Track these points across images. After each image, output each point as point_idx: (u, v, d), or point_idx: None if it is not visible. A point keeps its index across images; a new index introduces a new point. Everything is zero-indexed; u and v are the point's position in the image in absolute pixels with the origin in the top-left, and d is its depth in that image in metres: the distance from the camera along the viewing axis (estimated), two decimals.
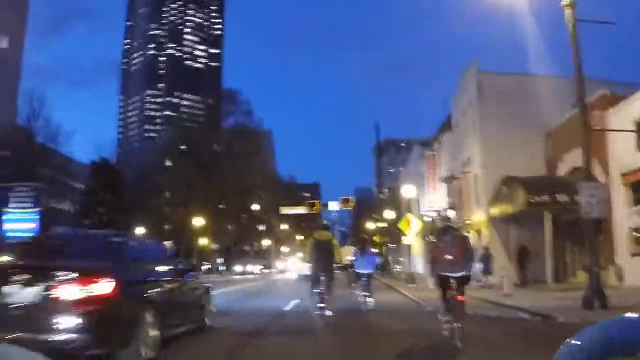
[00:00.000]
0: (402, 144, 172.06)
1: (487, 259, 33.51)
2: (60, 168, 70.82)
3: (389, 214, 62.70)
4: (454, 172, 46.85)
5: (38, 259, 9.91)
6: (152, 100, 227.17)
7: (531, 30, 34.35)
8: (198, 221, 68.00)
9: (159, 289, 11.20)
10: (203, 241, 74.89)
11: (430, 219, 48.67)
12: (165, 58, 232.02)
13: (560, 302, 20.65)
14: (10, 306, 8.48)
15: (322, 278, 15.37)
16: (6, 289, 8.65)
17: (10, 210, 57.15)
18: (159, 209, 71.42)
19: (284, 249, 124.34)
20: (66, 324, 8.38)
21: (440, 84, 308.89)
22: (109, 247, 10.69)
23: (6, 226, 56.68)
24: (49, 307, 8.46)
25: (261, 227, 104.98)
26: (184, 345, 11.64)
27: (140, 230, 68.09)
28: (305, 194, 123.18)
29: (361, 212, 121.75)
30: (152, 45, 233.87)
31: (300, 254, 62.73)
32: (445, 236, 12.07)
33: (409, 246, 42.27)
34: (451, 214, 46.85)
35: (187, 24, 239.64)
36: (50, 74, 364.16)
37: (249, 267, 70.00)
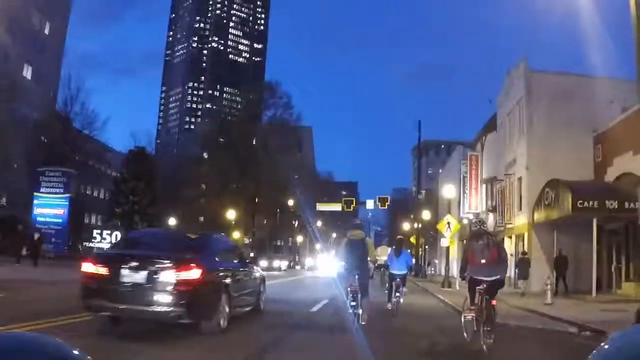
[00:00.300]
0: (442, 146, 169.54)
1: (523, 264, 32.54)
2: (94, 155, 70.17)
3: (425, 214, 60.85)
4: (496, 174, 45.14)
5: (144, 250, 12.83)
6: (194, 92, 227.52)
7: (584, 29, 32.83)
8: (231, 214, 66.89)
9: (231, 276, 13.71)
10: (236, 235, 73.92)
11: (468, 222, 47.24)
12: (208, 51, 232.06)
13: (608, 314, 19.09)
14: (124, 285, 11.33)
15: (356, 277, 15.06)
16: (122, 271, 11.40)
17: (41, 195, 56.61)
18: (192, 200, 70.45)
19: (318, 246, 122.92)
20: (165, 300, 11.21)
21: (485, 86, 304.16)
22: (196, 243, 13.77)
23: (37, 211, 56.14)
24: (153, 287, 11.25)
25: (296, 223, 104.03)
26: (245, 321, 14.52)
27: (172, 221, 67.23)
28: (343, 192, 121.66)
29: (397, 212, 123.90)
30: (196, 38, 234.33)
31: (333, 252, 61.89)
32: (479, 240, 12.07)
33: (447, 248, 40.55)
34: (490, 217, 45.78)
35: (232, 18, 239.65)
36: (98, 62, 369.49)
37: (276, 263, 68.11)
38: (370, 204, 67.20)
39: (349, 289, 15.00)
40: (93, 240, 63.24)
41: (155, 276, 11.32)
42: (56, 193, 56.66)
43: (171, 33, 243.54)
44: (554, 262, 32.18)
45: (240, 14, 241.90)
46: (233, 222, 71.55)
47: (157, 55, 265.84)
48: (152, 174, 67.35)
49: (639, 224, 17.69)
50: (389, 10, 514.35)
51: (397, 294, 19.82)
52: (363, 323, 14.42)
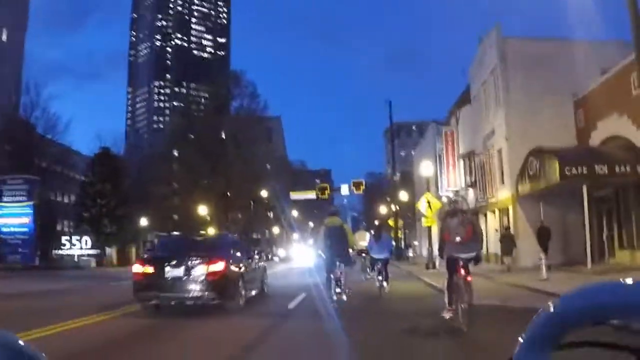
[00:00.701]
0: (414, 127, 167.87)
1: (507, 240, 31.39)
2: (60, 159, 67.28)
3: (403, 195, 58.63)
4: (474, 148, 43.31)
5: (181, 251, 16.10)
6: (160, 91, 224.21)
7: None
8: (203, 210, 64.25)
9: (244, 267, 17.06)
10: (210, 231, 71.69)
11: (447, 200, 45.64)
12: (171, 49, 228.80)
13: None
14: (169, 278, 14.81)
15: (338, 264, 15.69)
16: (166, 269, 14.88)
17: (3, 204, 53.96)
18: (163, 198, 67.92)
19: (295, 236, 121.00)
20: (200, 287, 14.74)
21: (454, 65, 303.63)
22: (216, 242, 18.57)
23: (1, 221, 53.55)
24: (190, 278, 14.82)
25: (271, 215, 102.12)
26: (255, 301, 17.77)
27: (143, 221, 64.80)
28: (316, 180, 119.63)
29: (373, 196, 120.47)
30: (159, 37, 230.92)
31: (310, 241, 59.75)
32: (454, 218, 12.16)
33: (428, 229, 38.47)
34: (470, 193, 44.00)
35: (194, 13, 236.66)
36: (63, 68, 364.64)
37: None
38: (344, 190, 65.09)
39: (332, 275, 15.59)
40: (62, 247, 60.78)
41: (191, 270, 14.86)
42: (19, 201, 54.07)
43: (134, 33, 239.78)
44: (536, 235, 30.08)
45: (202, 9, 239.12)
46: (208, 219, 69.23)
47: (122, 56, 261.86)
48: (119, 174, 64.76)
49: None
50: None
51: (380, 278, 19.96)
52: (345, 304, 15.47)
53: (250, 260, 18.52)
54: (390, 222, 62.16)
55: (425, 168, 40.11)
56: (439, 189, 50.07)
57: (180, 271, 14.74)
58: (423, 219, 36.70)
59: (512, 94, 34.97)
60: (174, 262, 14.90)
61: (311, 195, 68.22)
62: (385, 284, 20.12)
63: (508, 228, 33.31)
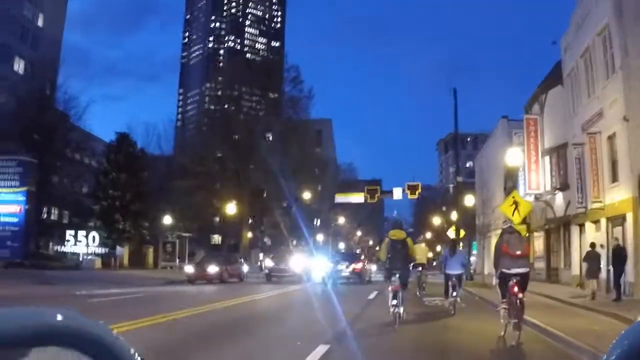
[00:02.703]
0: (468, 139, 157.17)
1: (593, 258, 24.42)
2: (74, 143, 58.41)
3: (469, 200, 47.46)
4: (567, 140, 33.09)
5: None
6: (211, 93, 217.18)
7: None
8: (232, 209, 53.97)
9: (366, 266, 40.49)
10: (249, 235, 62.21)
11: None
12: (224, 51, 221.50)
13: None
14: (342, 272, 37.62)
15: (397, 276, 14.86)
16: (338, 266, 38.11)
17: None
18: (185, 193, 57.88)
19: (342, 245, 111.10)
20: (352, 275, 37.94)
21: (510, 81, 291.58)
22: (352, 254, 50.32)
23: None
24: (345, 270, 37.97)
25: (317, 222, 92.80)
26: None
27: (167, 219, 55.23)
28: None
29: (424, 208, 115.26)
30: (212, 39, 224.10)
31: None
32: (512, 234, 12.60)
33: (526, 239, 27.88)
34: (558, 198, 33.83)
35: (248, 16, 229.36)
36: (122, 70, 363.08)
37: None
38: (397, 193, 55.41)
39: (390, 287, 14.91)
40: (67, 242, 51.92)
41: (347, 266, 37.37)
42: (11, 186, 44.98)
43: (187, 34, 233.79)
44: (612, 254, 23.69)
45: (256, 12, 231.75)
46: (247, 220, 59.67)
47: (176, 58, 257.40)
48: (139, 164, 55.42)
49: None
50: (410, 4, 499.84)
51: (454, 294, 18.91)
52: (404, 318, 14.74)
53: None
54: (462, 232, 51.68)
55: (512, 157, 28.96)
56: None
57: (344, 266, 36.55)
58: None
59: (632, 58, 24.80)
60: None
61: (359, 198, 59.68)
62: (458, 299, 19.32)
63: (618, 244, 23.81)
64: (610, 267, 24.36)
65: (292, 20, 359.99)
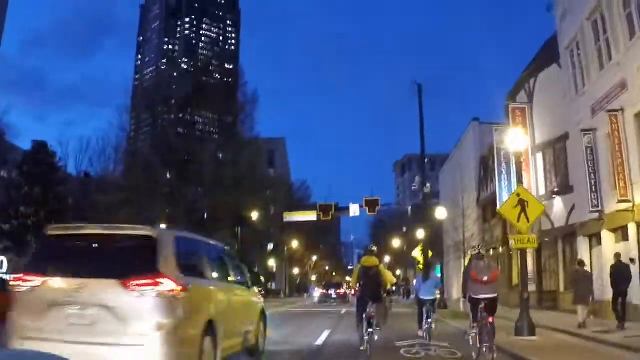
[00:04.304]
0: (427, 160, 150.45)
1: (583, 278, 19.89)
2: None
3: (441, 213, 38.42)
4: (568, 129, 25.58)
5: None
6: (164, 117, 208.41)
7: None
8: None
9: None
10: None
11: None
12: (177, 73, 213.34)
13: None
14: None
15: (370, 304, 14.13)
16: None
17: None
18: (107, 209, 49.17)
19: (296, 270, 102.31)
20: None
21: (470, 102, 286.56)
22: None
23: None
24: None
25: (270, 247, 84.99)
26: None
27: None
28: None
29: (382, 230, 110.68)
30: (164, 61, 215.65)
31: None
32: (480, 260, 12.75)
33: (522, 255, 19.61)
34: (557, 204, 26.26)
35: (202, 38, 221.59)
36: (77, 95, 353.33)
37: None
38: (354, 209, 47.74)
39: (364, 315, 13.98)
40: None
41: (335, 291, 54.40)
42: None
43: (139, 57, 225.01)
44: (611, 273, 18.89)
45: (210, 34, 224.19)
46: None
47: (127, 81, 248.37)
48: (55, 176, 46.71)
49: None
50: (367, 25, 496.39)
51: (429, 320, 17.32)
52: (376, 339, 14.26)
53: None
54: (417, 254, 43.62)
55: (515, 141, 19.82)
56: (500, 200, 32.24)
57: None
58: (512, 241, 17.98)
59: None
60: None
61: (311, 216, 51.64)
62: (433, 325, 17.53)
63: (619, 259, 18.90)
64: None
65: (247, 42, 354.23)
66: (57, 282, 8.22)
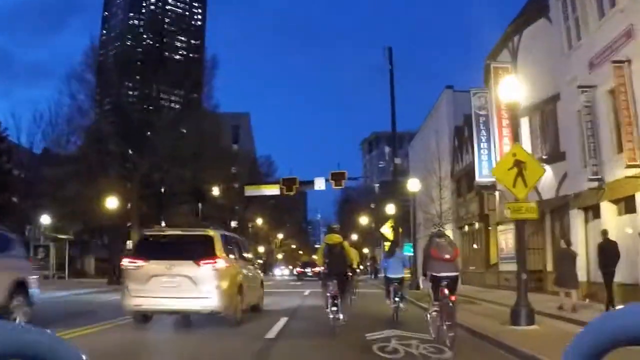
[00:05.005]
0: (387, 151, 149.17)
1: (567, 257, 17.83)
2: None
3: (413, 184, 34.79)
4: (559, 89, 22.57)
5: None
6: (129, 92, 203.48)
7: None
8: (113, 202, 41.04)
9: None
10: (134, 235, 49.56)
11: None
12: (142, 49, 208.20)
13: None
14: None
15: (334, 282, 14.28)
16: None
17: None
18: (56, 183, 45.27)
19: (261, 249, 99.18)
20: None
21: (443, 79, 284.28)
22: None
23: None
24: None
25: (234, 224, 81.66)
26: None
27: (44, 219, 42.84)
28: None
29: (349, 208, 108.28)
30: (130, 36, 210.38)
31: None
32: (441, 237, 12.53)
33: (519, 226, 16.48)
34: (547, 172, 23.85)
35: (168, 14, 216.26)
36: (44, 72, 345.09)
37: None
38: (319, 183, 44.45)
39: (328, 294, 14.27)
40: None
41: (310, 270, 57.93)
42: None
43: (104, 32, 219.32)
44: (598, 251, 17.18)
45: (176, 9, 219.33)
46: (137, 218, 47.22)
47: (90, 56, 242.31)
48: (2, 151, 42.87)
49: None
50: (333, 6, 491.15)
51: (397, 299, 16.83)
52: (343, 323, 13.92)
53: None
54: (387, 231, 40.42)
55: (509, 91, 16.27)
56: (478, 172, 29.23)
57: None
58: (507, 211, 14.81)
59: None
60: None
61: (273, 190, 48.39)
62: (402, 305, 17.10)
63: (605, 232, 17.37)
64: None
65: (214, 17, 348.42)
66: (155, 263, 14.12)
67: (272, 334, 13.21)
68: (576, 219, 21.49)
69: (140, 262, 14.22)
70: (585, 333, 1.07)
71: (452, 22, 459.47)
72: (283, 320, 15.94)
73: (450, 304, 11.46)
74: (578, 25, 21.06)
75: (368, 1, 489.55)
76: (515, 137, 17.27)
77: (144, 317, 14.71)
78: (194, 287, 13.71)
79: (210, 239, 14.58)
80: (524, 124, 25.60)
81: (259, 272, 20.56)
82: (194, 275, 13.80)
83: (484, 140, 28.91)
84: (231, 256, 15.43)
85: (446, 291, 11.59)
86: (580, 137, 20.11)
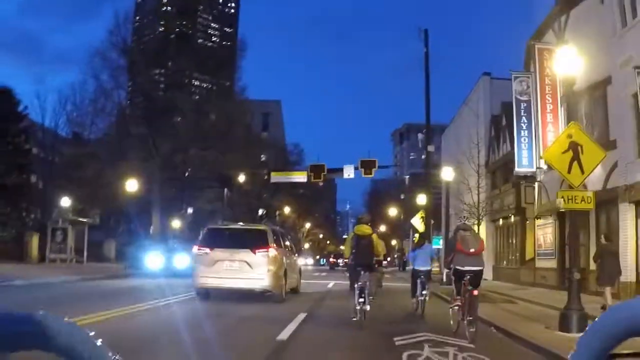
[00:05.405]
0: (424, 131, 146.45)
1: (609, 255, 16.89)
2: None
3: (447, 172, 32.72)
4: (609, 71, 20.63)
5: None
6: (160, 79, 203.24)
7: None
8: (133, 185, 39.36)
9: None
10: (156, 221, 47.98)
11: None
12: (175, 36, 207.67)
13: None
14: None
15: (362, 273, 13.95)
16: None
17: None
18: (75, 160, 44.00)
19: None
20: None
21: (463, 76, 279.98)
22: None
23: None
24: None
25: (262, 212, 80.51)
26: None
27: (64, 202, 41.64)
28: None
29: (379, 200, 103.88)
30: (162, 23, 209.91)
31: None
32: (467, 231, 12.22)
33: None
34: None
35: (201, 1, 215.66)
36: (77, 59, 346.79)
37: None
38: (349, 171, 42.59)
39: (355, 285, 13.97)
40: None
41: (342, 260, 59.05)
42: None
43: (137, 18, 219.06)
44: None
45: None
46: (157, 201, 45.85)
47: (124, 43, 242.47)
48: (17, 128, 41.59)
49: None
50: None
51: (423, 292, 16.50)
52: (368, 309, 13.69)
53: None
54: (417, 223, 38.73)
55: (565, 63, 14.33)
56: (518, 161, 27.27)
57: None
58: (560, 200, 12.87)
59: None
60: None
61: (300, 177, 46.68)
62: (427, 297, 16.62)
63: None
64: None
65: (247, 6, 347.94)
66: (219, 251, 17.92)
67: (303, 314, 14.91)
68: (626, 213, 19.60)
69: (206, 250, 18.10)
70: (599, 323, 1.04)
71: (488, 14, 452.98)
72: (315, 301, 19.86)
73: (473, 299, 11.37)
74: (634, 1, 19.15)
75: None
76: (571, 118, 15.33)
77: (206, 294, 18.01)
78: (250, 270, 17.44)
79: (263, 233, 18.74)
80: (564, 111, 23.72)
81: (297, 258, 24.50)
82: (250, 261, 17.53)
83: (524, 127, 26.95)
84: (279, 247, 19.03)
85: (469, 285, 11.49)
86: (634, 124, 18.23)
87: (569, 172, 11.99)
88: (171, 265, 33.96)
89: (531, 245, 30.79)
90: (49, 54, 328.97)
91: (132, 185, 39.30)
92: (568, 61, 13.25)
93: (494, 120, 37.32)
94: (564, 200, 12.01)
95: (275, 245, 18.35)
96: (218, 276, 17.48)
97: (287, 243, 22.02)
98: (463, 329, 11.15)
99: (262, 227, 20.01)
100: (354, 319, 13.21)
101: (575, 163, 11.96)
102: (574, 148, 12.03)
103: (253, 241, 18.05)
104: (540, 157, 23.77)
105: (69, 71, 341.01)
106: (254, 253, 17.56)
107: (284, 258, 19.23)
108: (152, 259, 34.41)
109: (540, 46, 25.26)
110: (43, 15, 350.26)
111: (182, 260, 32.77)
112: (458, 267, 11.77)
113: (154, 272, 31.21)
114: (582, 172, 12.00)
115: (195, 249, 18.84)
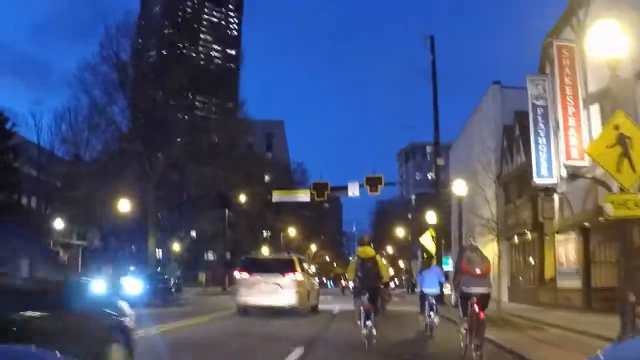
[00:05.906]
0: (428, 150, 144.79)
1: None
2: None
3: (459, 186, 30.47)
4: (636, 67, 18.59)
5: None
6: (157, 97, 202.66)
7: None
8: (125, 206, 37.09)
9: None
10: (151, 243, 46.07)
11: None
12: (177, 58, 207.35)
13: None
14: None
15: (367, 295, 14.02)
16: None
17: None
18: (65, 179, 42.12)
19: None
20: None
21: (472, 88, 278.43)
22: None
23: None
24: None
25: (266, 234, 79.00)
26: None
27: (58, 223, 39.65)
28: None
29: (385, 220, 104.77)
30: (164, 45, 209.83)
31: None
32: (473, 252, 11.93)
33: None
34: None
35: (203, 22, 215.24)
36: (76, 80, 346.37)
37: None
38: (353, 189, 40.80)
39: (361, 307, 13.94)
40: None
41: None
42: None
43: (140, 40, 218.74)
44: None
45: (212, 18, 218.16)
46: (154, 221, 43.81)
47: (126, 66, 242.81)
48: (4, 145, 39.86)
49: None
50: (373, 12, 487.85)
51: (431, 314, 16.82)
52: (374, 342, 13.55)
53: None
54: (427, 242, 36.67)
55: (607, 42, 12.30)
56: (537, 170, 25.02)
57: None
58: (608, 206, 10.89)
59: None
60: None
61: (304, 196, 45.07)
62: (436, 320, 16.89)
63: None
64: None
65: (249, 26, 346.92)
66: (256, 276, 22.29)
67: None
68: None
69: (246, 275, 22.61)
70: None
71: (492, 23, 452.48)
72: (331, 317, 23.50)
73: (480, 322, 11.10)
74: None
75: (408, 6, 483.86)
76: (614, 109, 13.12)
77: (245, 311, 22.25)
78: (282, 290, 21.64)
79: (291, 260, 23.40)
80: (594, 112, 21.63)
81: (316, 281, 29.59)
82: (281, 283, 21.78)
83: (542, 134, 24.79)
84: (303, 271, 23.54)
85: (476, 308, 11.18)
86: None
87: (618, 171, 9.84)
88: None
89: (551, 263, 28.51)
90: (53, 75, 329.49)
91: (124, 205, 37.21)
92: (610, 38, 11.09)
93: (506, 130, 35.26)
94: (614, 206, 9.83)
95: (300, 270, 22.99)
96: (256, 296, 22.00)
97: (306, 267, 26.48)
98: (470, 352, 11.00)
99: (290, 256, 24.69)
100: (363, 342, 13.15)
101: (625, 160, 9.83)
102: (623, 142, 9.94)
103: (283, 267, 22.56)
104: (566, 162, 21.69)
105: (67, 92, 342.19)
106: (284, 276, 21.94)
107: (307, 281, 23.84)
108: (130, 285, 30.81)
109: (559, 43, 23.14)
110: (47, 37, 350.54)
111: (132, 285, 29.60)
112: (464, 289, 11.58)
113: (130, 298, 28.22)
114: (634, 170, 9.84)
115: (237, 274, 23.38)
